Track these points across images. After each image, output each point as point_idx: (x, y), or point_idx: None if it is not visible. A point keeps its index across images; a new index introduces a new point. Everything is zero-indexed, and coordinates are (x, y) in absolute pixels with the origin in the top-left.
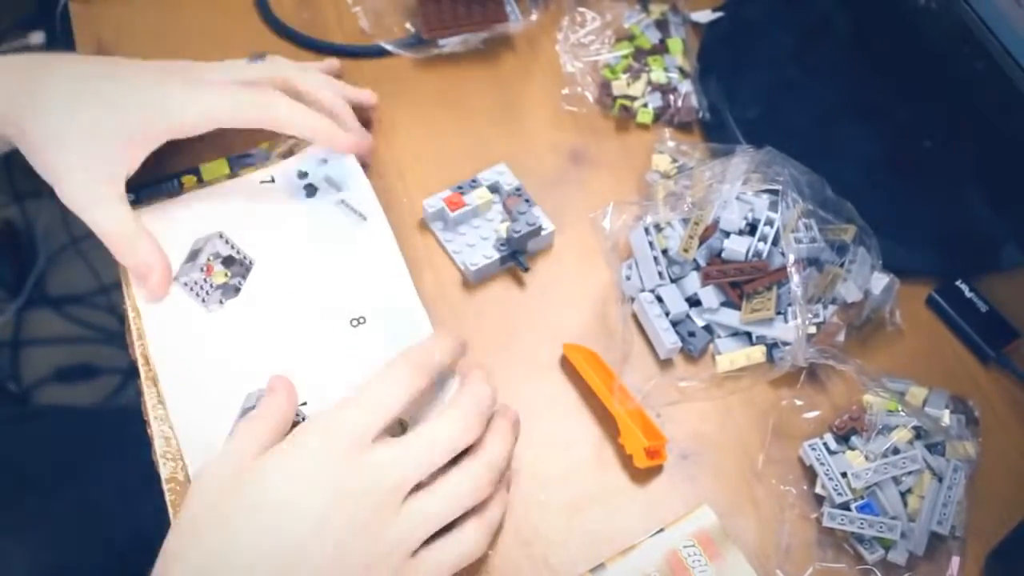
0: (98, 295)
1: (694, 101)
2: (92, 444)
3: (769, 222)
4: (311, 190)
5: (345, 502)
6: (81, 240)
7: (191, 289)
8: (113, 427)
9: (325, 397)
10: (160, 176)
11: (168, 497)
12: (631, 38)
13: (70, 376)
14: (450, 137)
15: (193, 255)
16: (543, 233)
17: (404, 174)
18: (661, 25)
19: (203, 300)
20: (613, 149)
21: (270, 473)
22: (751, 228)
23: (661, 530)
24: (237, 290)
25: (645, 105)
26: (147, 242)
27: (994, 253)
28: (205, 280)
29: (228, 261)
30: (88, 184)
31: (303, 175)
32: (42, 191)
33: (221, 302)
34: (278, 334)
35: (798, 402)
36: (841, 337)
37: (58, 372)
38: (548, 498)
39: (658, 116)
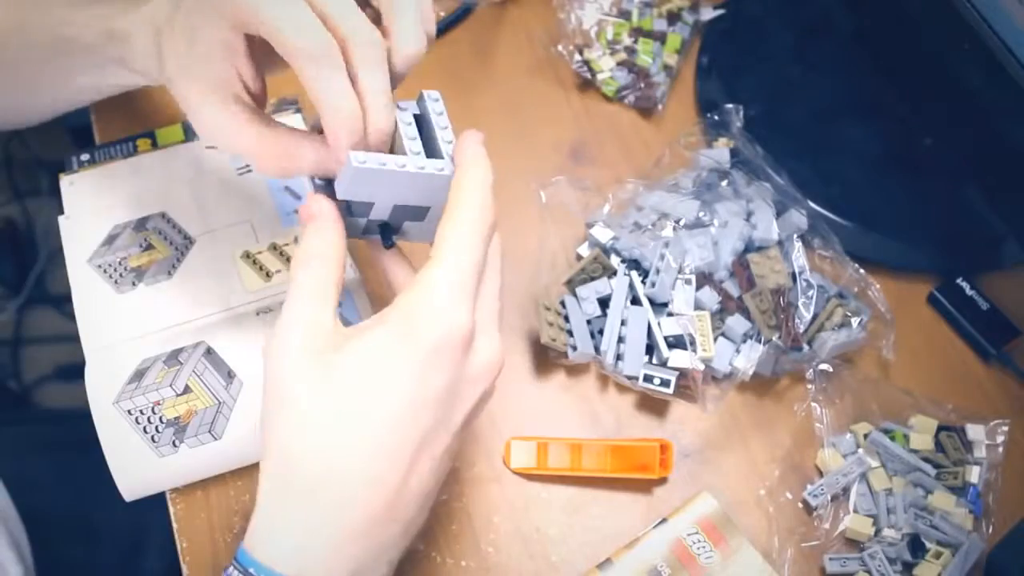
0: None
1: (658, 93)
2: (92, 442)
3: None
4: None
5: (431, 408)
6: None
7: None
8: None
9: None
10: (120, 139)
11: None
12: (629, 15)
13: (71, 374)
14: None
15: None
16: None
17: None
18: (672, 17)
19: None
20: (615, 146)
21: (359, 370)
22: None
23: (664, 520)
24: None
25: (612, 77)
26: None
27: (995, 251)
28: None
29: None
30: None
31: None
32: (42, 189)
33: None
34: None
35: (800, 402)
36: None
37: (59, 370)
38: (549, 496)
39: (621, 92)
